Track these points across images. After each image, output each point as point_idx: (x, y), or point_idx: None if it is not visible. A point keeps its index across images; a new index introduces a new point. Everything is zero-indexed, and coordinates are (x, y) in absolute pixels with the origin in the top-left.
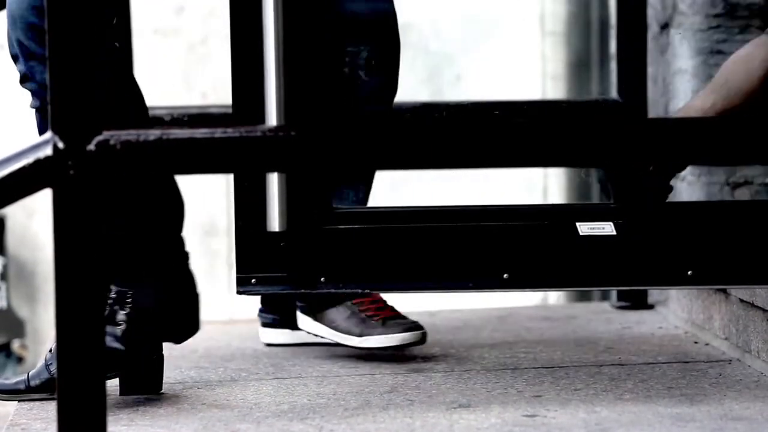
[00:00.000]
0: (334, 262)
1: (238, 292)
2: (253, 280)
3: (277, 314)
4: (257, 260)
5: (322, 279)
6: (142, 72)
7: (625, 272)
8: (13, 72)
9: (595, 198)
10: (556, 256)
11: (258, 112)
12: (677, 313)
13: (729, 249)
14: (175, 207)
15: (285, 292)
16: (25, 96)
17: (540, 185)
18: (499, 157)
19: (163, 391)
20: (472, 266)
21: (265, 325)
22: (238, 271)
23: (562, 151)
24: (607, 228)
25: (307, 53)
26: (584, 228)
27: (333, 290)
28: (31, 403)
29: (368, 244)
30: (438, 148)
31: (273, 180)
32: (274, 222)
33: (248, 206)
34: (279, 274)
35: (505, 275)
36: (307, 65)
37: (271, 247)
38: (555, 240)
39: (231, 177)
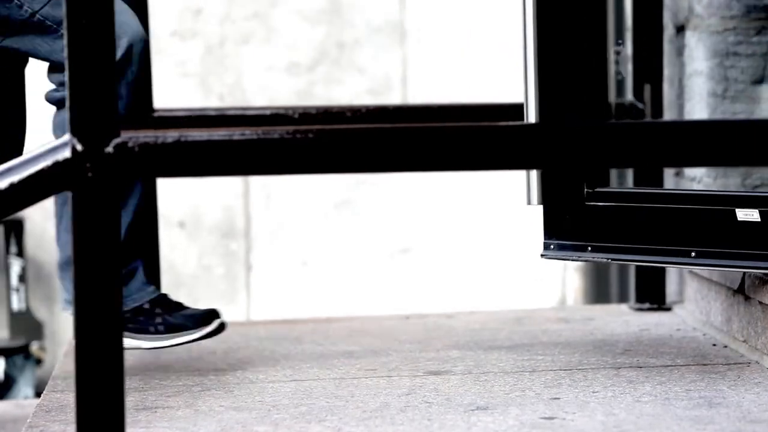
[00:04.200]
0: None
1: (541, 255)
2: (551, 246)
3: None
4: (553, 232)
5: (589, 248)
6: (160, 75)
7: (764, 256)
8: (31, 74)
9: None
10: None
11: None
12: (695, 315)
13: None
14: None
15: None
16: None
17: None
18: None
19: (181, 392)
20: (673, 245)
21: None
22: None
23: None
24: (755, 215)
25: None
26: (741, 214)
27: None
28: (50, 405)
29: (618, 222)
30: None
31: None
32: (534, 197)
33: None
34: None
35: (693, 253)
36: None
37: (561, 222)
38: (721, 224)
39: (249, 178)
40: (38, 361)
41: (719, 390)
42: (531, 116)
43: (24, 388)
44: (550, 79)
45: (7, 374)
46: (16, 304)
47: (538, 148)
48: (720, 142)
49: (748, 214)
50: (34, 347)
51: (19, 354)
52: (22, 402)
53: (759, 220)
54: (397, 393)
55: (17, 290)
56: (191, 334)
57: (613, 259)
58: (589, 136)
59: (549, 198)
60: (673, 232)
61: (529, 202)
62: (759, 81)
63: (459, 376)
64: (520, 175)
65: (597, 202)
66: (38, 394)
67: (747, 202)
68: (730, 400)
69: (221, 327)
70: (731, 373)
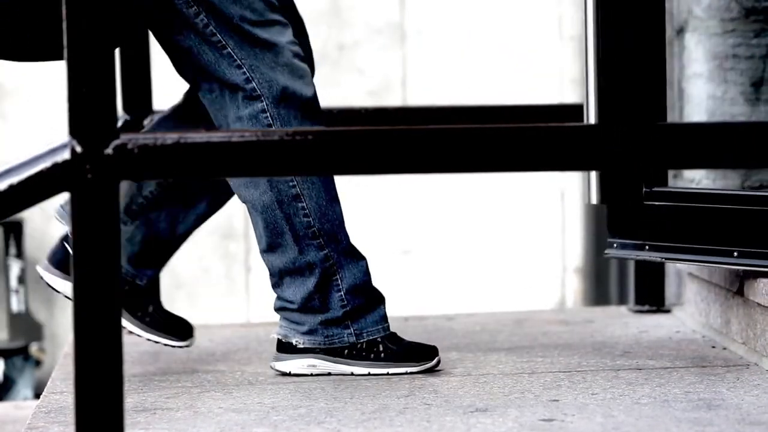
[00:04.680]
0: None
1: (605, 254)
2: (615, 245)
3: None
4: (616, 231)
5: (646, 247)
6: (160, 76)
7: None
8: (29, 77)
9: None
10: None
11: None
12: (694, 317)
13: None
14: None
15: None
16: (41, 100)
17: (557, 192)
18: None
19: (180, 394)
20: (718, 245)
21: None
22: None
23: None
24: None
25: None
26: None
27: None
28: (49, 407)
29: (675, 222)
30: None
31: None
32: (593, 197)
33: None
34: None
35: (735, 253)
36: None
37: (622, 221)
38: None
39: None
40: (37, 363)
41: (718, 392)
42: (591, 117)
43: (23, 389)
44: (610, 80)
45: (6, 375)
46: (16, 305)
47: (597, 149)
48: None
49: None
50: (34, 348)
51: (19, 355)
52: (21, 403)
53: None
54: (396, 394)
55: (17, 292)
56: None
57: (666, 259)
58: (646, 136)
59: (610, 198)
60: (722, 232)
61: (589, 201)
62: (759, 83)
63: (458, 378)
64: (519, 177)
65: (654, 201)
66: (37, 396)
67: (742, 201)
68: (730, 402)
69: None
70: (730, 375)
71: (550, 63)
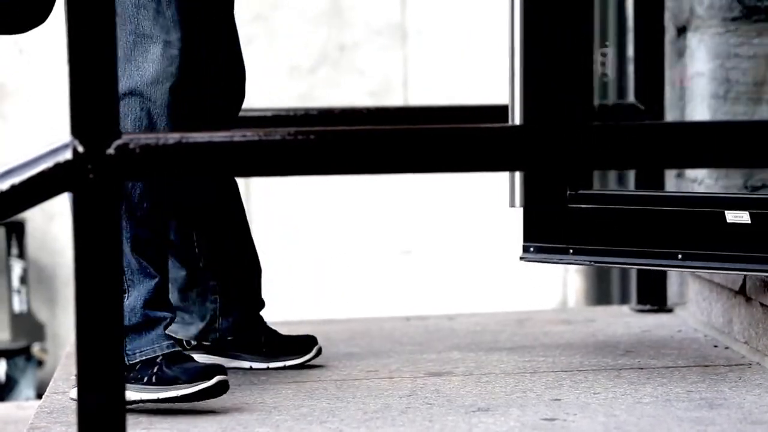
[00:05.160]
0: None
1: (520, 258)
2: (531, 249)
3: None
4: (533, 233)
5: (570, 251)
6: None
7: (757, 258)
8: (30, 78)
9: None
10: (713, 240)
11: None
12: (697, 316)
13: None
14: None
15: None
16: (42, 100)
17: None
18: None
19: None
20: (661, 247)
21: None
22: (524, 241)
23: None
24: (745, 217)
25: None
26: (730, 216)
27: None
28: (51, 407)
29: (602, 224)
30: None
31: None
32: (516, 200)
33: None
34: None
35: (680, 256)
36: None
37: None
38: (711, 226)
39: (249, 180)
40: (39, 363)
41: (720, 391)
42: (516, 118)
43: (25, 389)
44: (536, 81)
45: (8, 376)
46: (18, 305)
47: (519, 150)
48: (708, 144)
49: (737, 216)
50: (36, 349)
51: (21, 355)
52: (23, 403)
53: (749, 222)
54: (399, 394)
55: (19, 292)
56: (184, 388)
57: (595, 262)
58: (571, 137)
59: (531, 200)
60: (658, 235)
61: (512, 205)
62: (760, 82)
63: (460, 378)
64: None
65: (579, 204)
66: (39, 396)
67: (735, 205)
68: (732, 401)
69: (221, 386)
70: (732, 374)
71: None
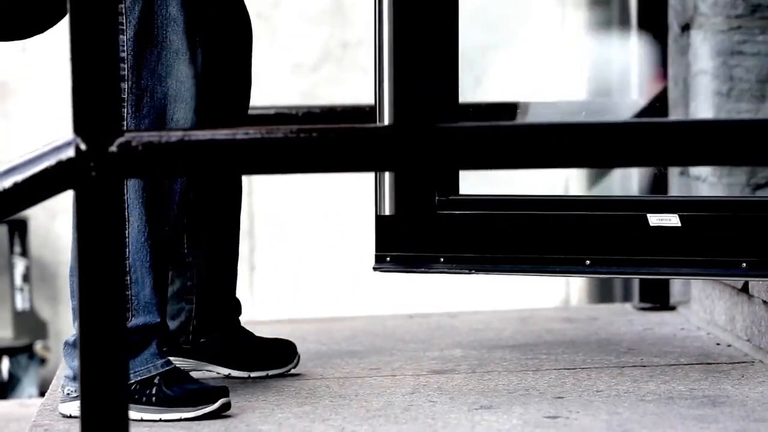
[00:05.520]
0: (452, 246)
1: (374, 269)
2: (387, 258)
3: None
4: (392, 241)
5: (441, 260)
6: None
7: (687, 262)
8: (32, 76)
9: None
10: (632, 245)
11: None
12: (699, 314)
13: None
14: None
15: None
16: (44, 98)
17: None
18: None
19: None
20: (561, 252)
21: None
22: (376, 250)
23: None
24: (673, 220)
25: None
26: (654, 219)
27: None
28: (54, 405)
29: (479, 230)
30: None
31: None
32: (386, 207)
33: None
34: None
35: (587, 261)
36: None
37: (403, 230)
38: (629, 230)
39: (252, 177)
40: (42, 361)
41: (723, 389)
42: (385, 118)
43: (28, 387)
44: (404, 81)
45: (11, 373)
46: (20, 303)
47: (374, 151)
48: (561, 143)
49: (663, 219)
50: (38, 347)
51: (23, 353)
52: (26, 401)
53: (678, 225)
54: (401, 392)
55: (21, 290)
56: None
57: (476, 270)
58: (431, 138)
59: (404, 208)
60: (560, 240)
61: (380, 212)
62: (764, 80)
63: (463, 375)
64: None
65: (451, 210)
66: (42, 394)
67: (661, 207)
68: (734, 398)
69: (224, 408)
70: (735, 371)
71: (552, 63)
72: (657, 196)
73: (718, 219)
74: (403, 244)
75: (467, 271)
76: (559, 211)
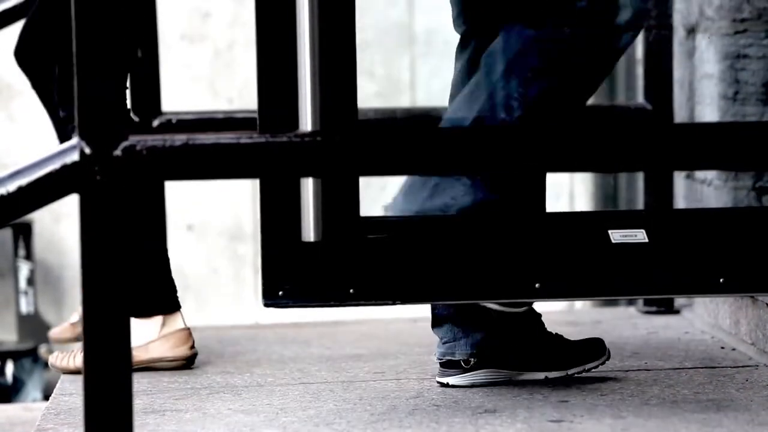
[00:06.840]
0: (365, 273)
1: (266, 305)
2: (281, 292)
3: None
4: (287, 271)
5: (351, 291)
6: (169, 78)
7: (657, 280)
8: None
9: (623, 202)
10: (589, 265)
11: (291, 117)
12: (704, 318)
13: (761, 256)
14: None
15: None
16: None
17: (566, 190)
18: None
19: (189, 396)
20: (503, 275)
21: None
22: (264, 283)
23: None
24: (640, 235)
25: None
26: (617, 236)
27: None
28: (58, 408)
29: (399, 254)
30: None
31: (307, 188)
32: (310, 232)
33: (279, 214)
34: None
35: (537, 285)
36: (347, 68)
37: (302, 258)
38: (587, 248)
39: (257, 182)
40: (46, 364)
41: (727, 393)
42: (308, 124)
43: (32, 391)
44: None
45: (15, 377)
46: (25, 307)
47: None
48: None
49: (627, 236)
50: (43, 350)
51: (28, 357)
52: (30, 405)
53: (645, 240)
54: (406, 396)
55: (26, 293)
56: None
57: (401, 301)
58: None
59: (331, 233)
60: (503, 263)
61: (306, 238)
62: None
63: None
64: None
65: (373, 233)
66: (46, 397)
67: (622, 222)
68: (739, 403)
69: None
70: (739, 375)
71: None
72: (619, 211)
73: (691, 232)
74: (298, 274)
75: (391, 301)
76: (498, 230)
